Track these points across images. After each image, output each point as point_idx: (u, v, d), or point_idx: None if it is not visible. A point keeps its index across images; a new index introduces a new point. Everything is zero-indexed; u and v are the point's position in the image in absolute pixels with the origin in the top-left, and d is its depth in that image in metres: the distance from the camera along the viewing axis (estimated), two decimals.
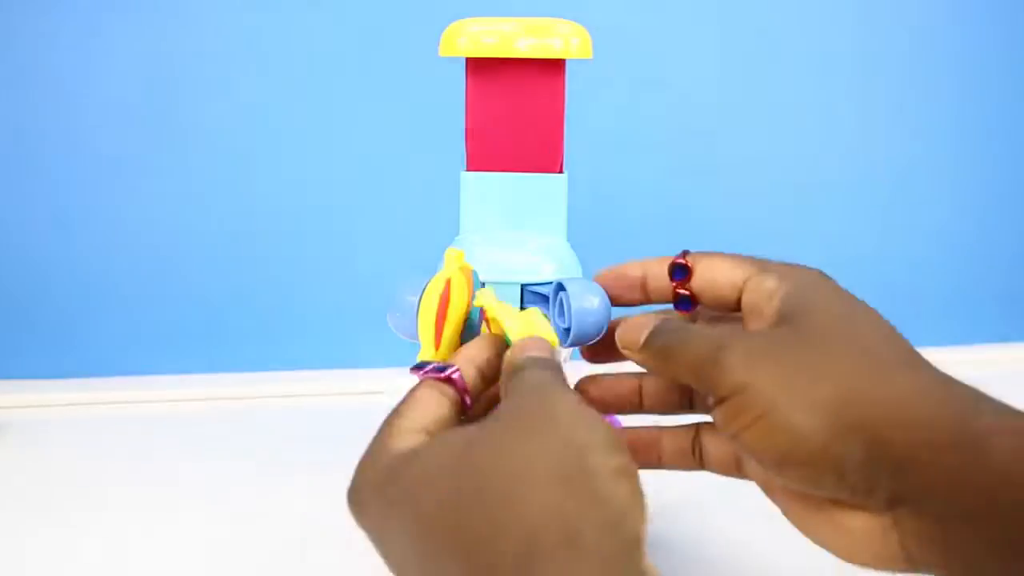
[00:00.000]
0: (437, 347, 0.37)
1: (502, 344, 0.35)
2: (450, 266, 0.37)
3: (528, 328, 0.35)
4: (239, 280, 0.67)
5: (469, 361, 0.33)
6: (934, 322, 0.76)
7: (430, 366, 0.32)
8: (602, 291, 0.38)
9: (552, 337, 0.36)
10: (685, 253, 0.36)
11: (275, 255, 0.67)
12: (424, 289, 0.37)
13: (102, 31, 0.62)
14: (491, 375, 0.33)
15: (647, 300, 0.37)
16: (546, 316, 0.37)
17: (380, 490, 0.28)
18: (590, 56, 0.43)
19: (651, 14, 0.67)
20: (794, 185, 0.72)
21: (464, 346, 0.34)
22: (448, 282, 0.36)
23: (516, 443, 0.26)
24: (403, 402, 0.31)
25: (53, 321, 0.64)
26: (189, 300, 0.66)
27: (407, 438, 0.29)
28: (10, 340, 0.64)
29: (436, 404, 0.31)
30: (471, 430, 0.27)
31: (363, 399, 0.63)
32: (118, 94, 0.63)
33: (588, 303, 0.37)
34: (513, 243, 0.43)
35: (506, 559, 0.23)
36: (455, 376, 0.31)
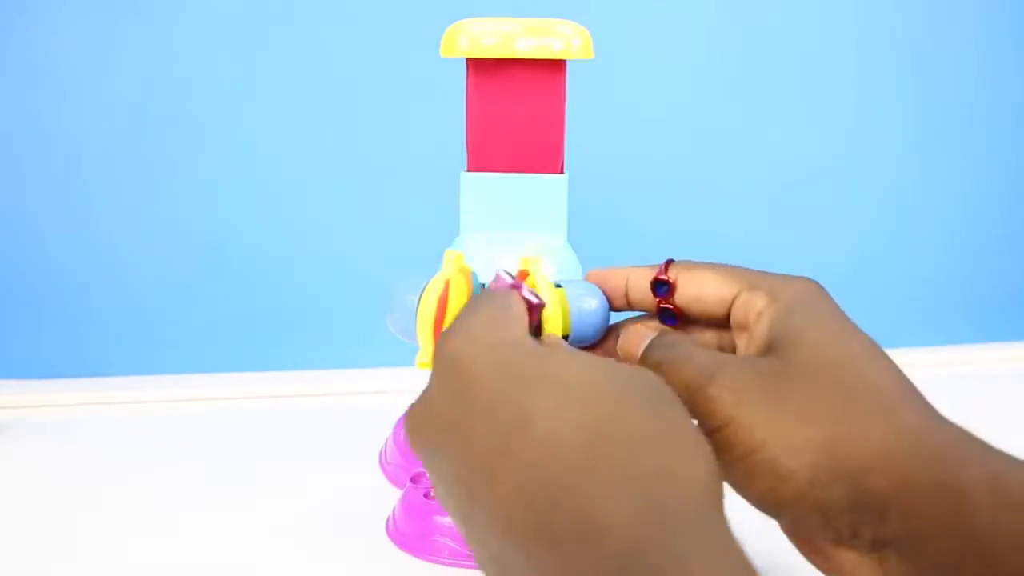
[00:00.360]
0: None
1: None
2: (449, 267, 0.37)
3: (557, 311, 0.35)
4: (239, 280, 0.67)
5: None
6: (934, 322, 0.76)
7: (524, 287, 0.32)
8: (600, 293, 0.38)
9: (567, 328, 0.36)
10: (668, 265, 0.35)
11: (275, 255, 0.67)
12: (423, 290, 0.37)
13: (104, 32, 0.62)
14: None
15: (630, 308, 0.37)
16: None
17: (508, 362, 0.26)
18: (591, 56, 0.43)
19: (651, 14, 0.67)
20: (794, 185, 0.72)
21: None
22: (447, 283, 0.36)
23: (662, 419, 0.25)
24: (500, 296, 0.30)
25: (53, 321, 0.64)
26: (189, 300, 0.66)
27: (517, 328, 0.28)
28: (10, 340, 0.64)
29: (524, 318, 0.30)
30: (591, 382, 0.26)
31: (364, 399, 0.62)
32: (121, 95, 0.63)
33: (587, 305, 0.37)
34: (513, 244, 0.43)
35: (680, 521, 0.23)
36: (537, 308, 0.31)
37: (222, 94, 0.64)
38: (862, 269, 0.74)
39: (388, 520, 0.45)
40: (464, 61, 0.45)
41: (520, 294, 0.31)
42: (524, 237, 0.43)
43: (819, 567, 0.30)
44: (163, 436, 0.56)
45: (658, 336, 0.33)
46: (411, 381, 0.63)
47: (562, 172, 0.44)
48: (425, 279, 0.38)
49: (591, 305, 0.37)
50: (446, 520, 0.42)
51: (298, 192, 0.66)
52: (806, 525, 0.28)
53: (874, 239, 0.74)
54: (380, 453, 0.52)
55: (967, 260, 0.76)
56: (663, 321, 0.36)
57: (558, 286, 0.38)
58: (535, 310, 0.31)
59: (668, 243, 0.71)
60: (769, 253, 0.74)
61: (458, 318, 0.29)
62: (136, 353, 0.65)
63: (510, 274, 0.32)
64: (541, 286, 0.36)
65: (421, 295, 0.37)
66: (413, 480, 0.45)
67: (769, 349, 0.30)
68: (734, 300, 0.33)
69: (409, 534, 0.43)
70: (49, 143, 0.63)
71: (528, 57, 0.42)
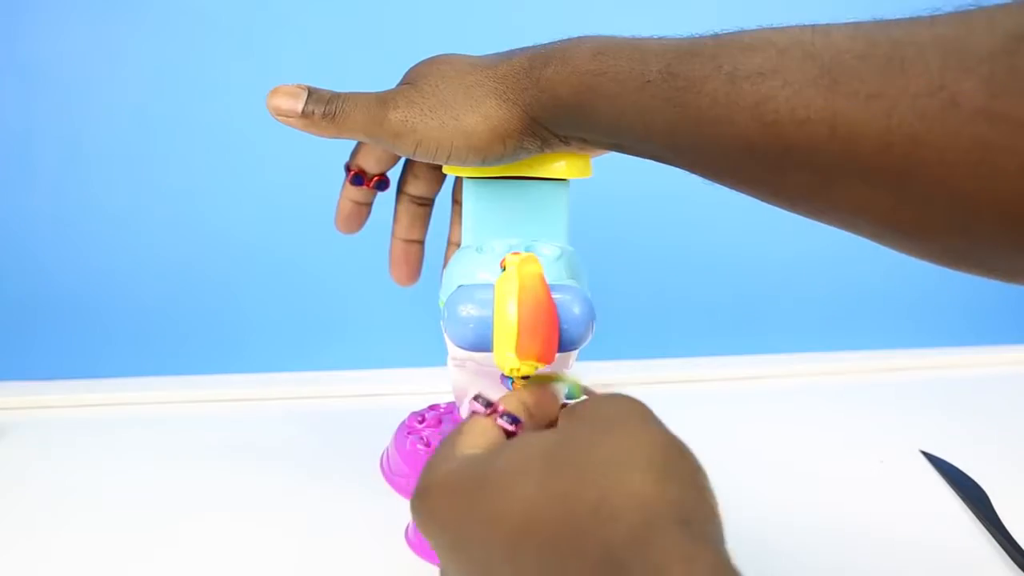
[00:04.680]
0: (547, 358, 0.35)
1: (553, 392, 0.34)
2: (514, 269, 0.36)
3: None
4: (240, 282, 0.66)
5: (522, 404, 0.32)
6: (935, 324, 0.76)
7: (500, 411, 0.31)
8: (586, 298, 0.38)
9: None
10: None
11: (276, 257, 0.67)
12: (493, 298, 0.36)
13: (105, 32, 0.62)
14: (540, 417, 0.32)
15: None
16: None
17: (456, 489, 0.28)
18: None
19: (652, 18, 0.67)
20: None
21: (522, 391, 0.33)
22: (522, 285, 0.35)
23: (610, 436, 0.26)
24: (464, 425, 0.31)
25: (53, 321, 0.64)
26: (190, 301, 0.66)
27: (475, 445, 0.30)
28: (11, 340, 0.64)
29: (495, 432, 0.31)
30: (549, 432, 0.28)
31: (365, 401, 0.63)
32: (124, 95, 0.63)
33: (571, 311, 0.37)
34: (522, 250, 0.43)
35: (620, 535, 0.23)
36: (509, 427, 0.31)
37: (225, 96, 0.64)
38: (862, 270, 0.74)
39: (407, 528, 0.45)
40: None
41: (495, 421, 0.31)
42: (530, 243, 0.43)
43: None
44: (163, 437, 0.56)
45: None
46: (411, 383, 0.64)
47: (564, 177, 0.44)
48: (488, 288, 0.37)
49: (575, 311, 0.37)
50: None
51: (299, 196, 0.66)
52: None
53: (864, 243, 0.74)
54: (382, 460, 0.52)
55: None
56: None
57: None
58: (517, 431, 0.31)
59: (668, 248, 0.71)
60: (769, 255, 0.74)
61: (423, 472, 0.30)
62: (136, 354, 0.65)
63: (487, 401, 0.32)
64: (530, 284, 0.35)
65: (495, 303, 0.36)
66: None
67: None
68: None
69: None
70: (49, 144, 0.63)
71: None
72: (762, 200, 0.34)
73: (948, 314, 0.76)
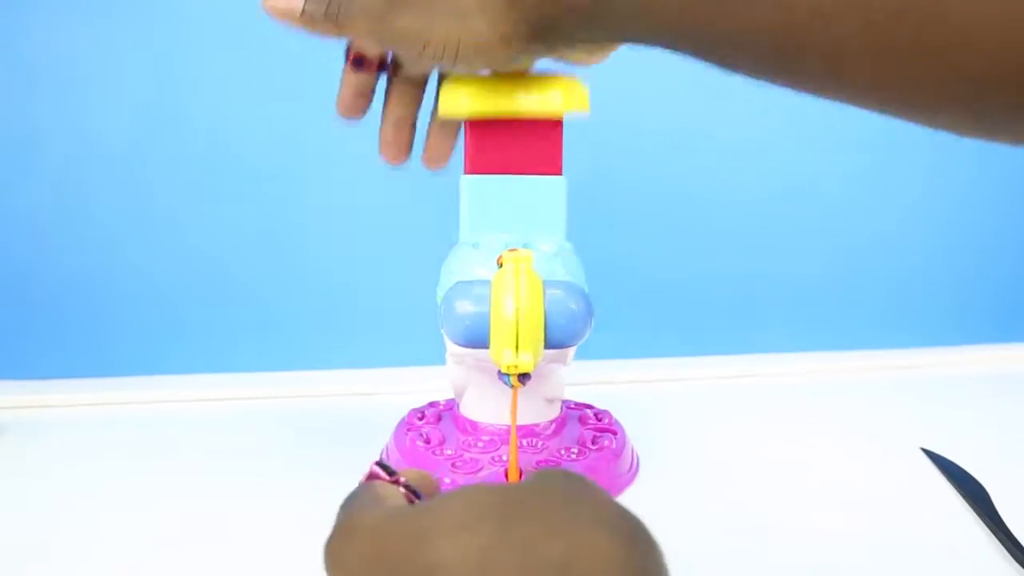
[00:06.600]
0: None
1: None
2: (511, 266, 0.36)
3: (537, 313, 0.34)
4: (240, 281, 0.67)
5: (420, 480, 0.32)
6: (935, 322, 0.76)
7: (399, 478, 0.31)
8: (585, 296, 0.37)
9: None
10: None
11: (277, 256, 0.67)
12: (490, 296, 0.36)
13: (107, 31, 0.62)
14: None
15: None
16: None
17: (389, 534, 0.26)
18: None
19: None
20: (795, 183, 0.72)
21: None
22: (520, 284, 0.35)
23: (568, 496, 0.25)
24: (370, 486, 0.31)
25: (54, 321, 0.64)
26: (191, 300, 0.66)
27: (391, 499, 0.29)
28: (10, 340, 0.64)
29: (401, 497, 0.30)
30: (497, 486, 0.26)
31: (364, 399, 0.62)
32: (126, 93, 0.63)
33: (569, 307, 0.37)
34: (517, 245, 0.43)
35: None
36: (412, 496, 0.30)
37: (227, 97, 0.64)
38: (862, 269, 0.74)
39: None
40: None
41: (400, 488, 0.30)
42: (528, 239, 0.43)
43: None
44: (164, 437, 0.56)
45: None
46: (411, 381, 0.63)
47: (560, 173, 0.44)
48: (485, 284, 0.37)
49: (571, 307, 0.37)
50: None
51: (300, 194, 0.66)
52: None
53: (874, 240, 0.74)
54: (381, 456, 0.52)
55: (969, 260, 0.76)
56: None
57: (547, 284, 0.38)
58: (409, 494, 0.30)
59: (666, 246, 0.71)
60: (768, 254, 0.74)
61: (338, 519, 0.29)
62: (138, 353, 0.65)
63: (387, 468, 0.31)
64: (523, 282, 0.35)
65: (492, 300, 0.36)
66: None
67: None
68: None
69: None
70: (49, 143, 0.63)
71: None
72: (772, 82, 0.34)
73: (947, 313, 0.76)
